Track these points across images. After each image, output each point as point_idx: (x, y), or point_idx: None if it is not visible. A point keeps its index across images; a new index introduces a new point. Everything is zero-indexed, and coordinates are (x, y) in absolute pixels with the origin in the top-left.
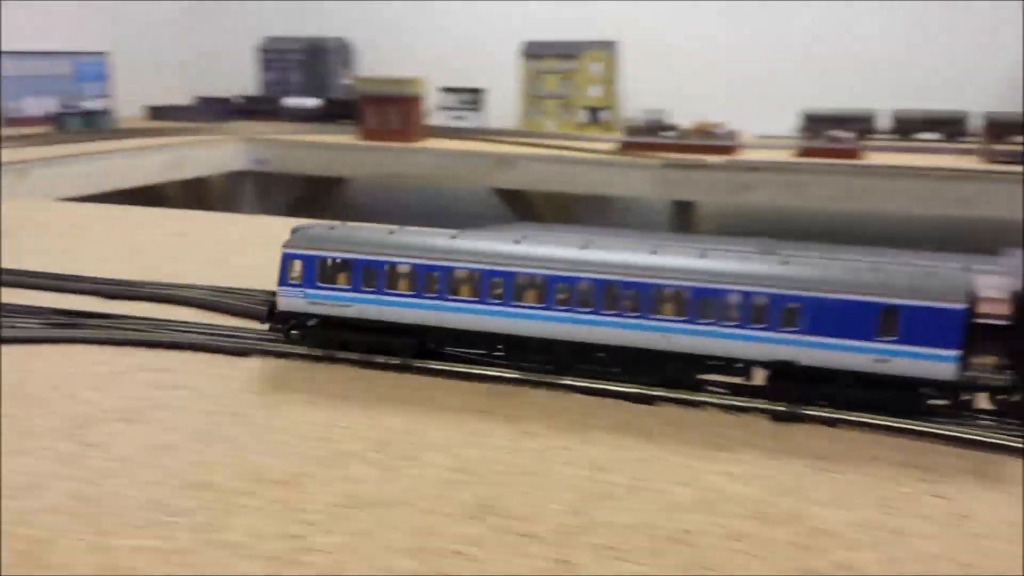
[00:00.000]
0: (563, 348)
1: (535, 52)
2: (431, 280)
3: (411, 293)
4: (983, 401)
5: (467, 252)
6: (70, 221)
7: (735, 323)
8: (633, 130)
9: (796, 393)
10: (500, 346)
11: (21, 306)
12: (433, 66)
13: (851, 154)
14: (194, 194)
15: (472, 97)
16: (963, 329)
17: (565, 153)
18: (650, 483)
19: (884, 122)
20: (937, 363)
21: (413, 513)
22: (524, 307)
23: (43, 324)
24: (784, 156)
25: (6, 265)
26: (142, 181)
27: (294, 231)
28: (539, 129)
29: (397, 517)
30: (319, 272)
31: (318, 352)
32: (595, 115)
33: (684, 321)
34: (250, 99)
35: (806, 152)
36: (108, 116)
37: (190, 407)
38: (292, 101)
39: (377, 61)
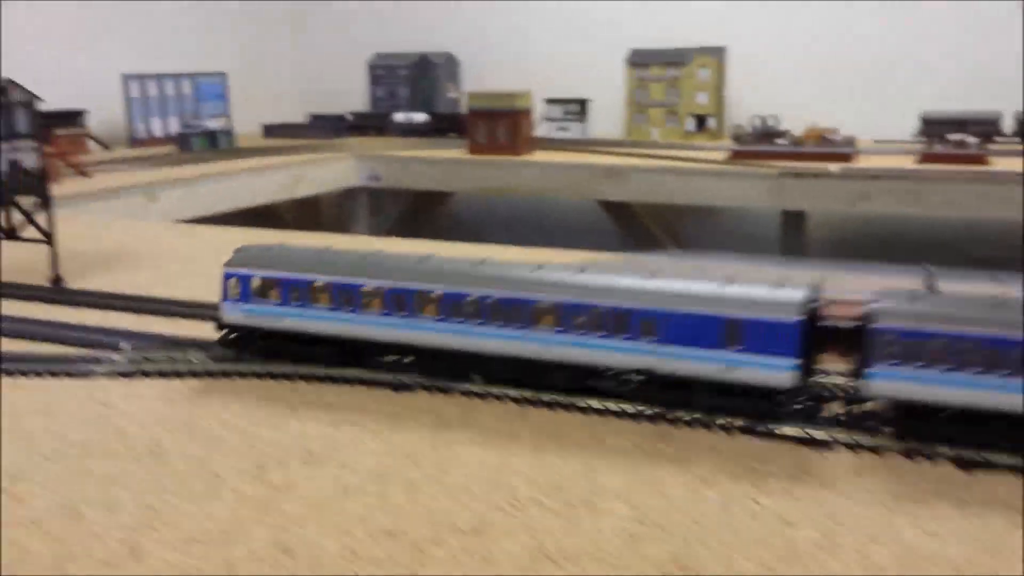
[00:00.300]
0: (460, 357)
1: (640, 60)
2: (346, 296)
3: (329, 307)
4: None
5: (378, 269)
6: (212, 246)
7: (604, 334)
8: (744, 138)
9: (661, 400)
10: (409, 356)
11: (186, 339)
12: (536, 77)
13: (978, 160)
14: (307, 211)
15: (577, 107)
16: (799, 340)
17: (675, 164)
18: (844, 540)
19: (1005, 124)
20: (777, 372)
21: (606, 569)
22: (426, 320)
23: (208, 357)
24: (905, 163)
25: (158, 293)
26: (262, 200)
27: (236, 251)
28: (644, 138)
29: (591, 573)
30: (253, 288)
31: (480, 389)
32: (702, 123)
33: (559, 332)
34: (360, 115)
35: (927, 158)
36: (229, 135)
37: (364, 447)
38: (401, 116)
39: (482, 73)
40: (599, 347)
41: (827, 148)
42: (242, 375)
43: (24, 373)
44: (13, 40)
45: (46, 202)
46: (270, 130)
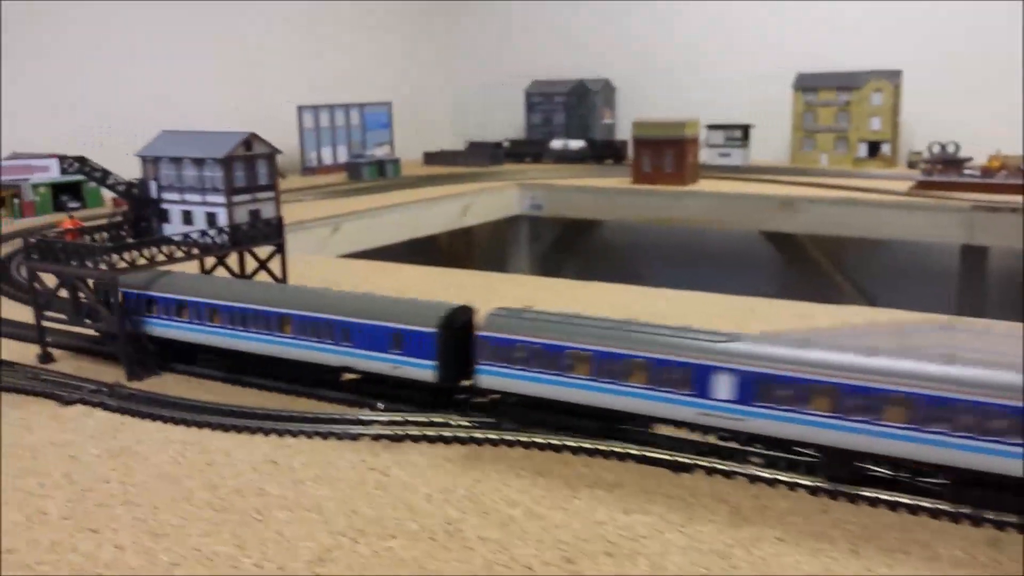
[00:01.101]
0: (255, 359)
1: (808, 84)
2: (197, 311)
3: (188, 319)
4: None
5: (220, 295)
6: (418, 286)
7: (327, 340)
8: (925, 166)
9: (360, 392)
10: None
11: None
12: (694, 101)
13: None
14: (462, 240)
15: (739, 133)
16: (438, 346)
17: (854, 195)
18: None
19: None
20: (424, 370)
21: None
22: (244, 330)
23: (472, 423)
24: None
25: None
26: (432, 230)
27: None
28: (813, 165)
29: None
30: (146, 306)
31: (769, 475)
32: (875, 149)
33: (310, 340)
34: (516, 142)
35: None
36: (396, 164)
37: (668, 542)
38: (558, 143)
39: (637, 98)
40: (319, 350)
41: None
42: (508, 444)
43: (292, 433)
44: (201, 73)
45: (280, 249)
46: (430, 157)
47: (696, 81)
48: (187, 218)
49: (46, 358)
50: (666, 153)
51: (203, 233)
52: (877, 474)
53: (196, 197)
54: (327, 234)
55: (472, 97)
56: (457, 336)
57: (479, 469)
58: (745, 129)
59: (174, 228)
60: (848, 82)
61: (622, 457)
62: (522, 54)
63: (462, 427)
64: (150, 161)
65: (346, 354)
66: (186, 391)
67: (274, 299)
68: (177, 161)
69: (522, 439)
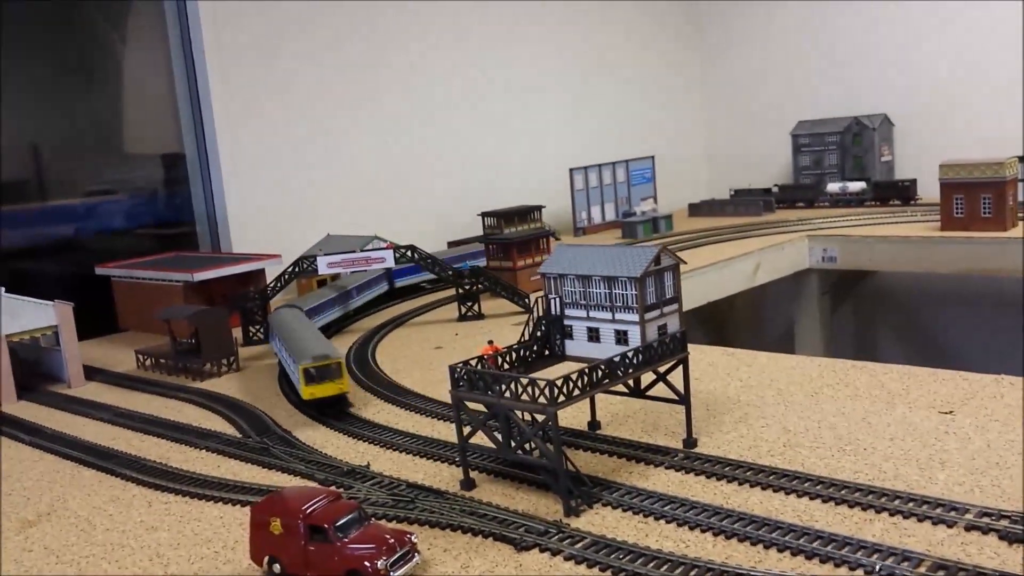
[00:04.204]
0: None
1: None
2: None
3: None
4: None
5: None
6: (793, 377)
7: None
8: None
9: None
10: None
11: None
12: (983, 132)
13: None
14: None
15: None
16: None
17: None
18: None
19: None
20: None
21: None
22: None
23: None
24: None
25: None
26: (728, 292)
27: None
28: None
29: None
30: None
31: None
32: None
33: None
34: (786, 188)
35: None
36: (668, 220)
37: None
38: (835, 186)
39: (913, 131)
40: None
41: None
42: None
43: None
44: (484, 154)
45: (683, 362)
46: (695, 208)
47: (980, 107)
48: (593, 336)
49: (469, 485)
50: (982, 196)
51: (623, 356)
52: None
53: (604, 315)
54: None
55: (729, 143)
56: None
57: None
58: None
59: (578, 347)
60: None
61: None
62: (781, 96)
63: None
64: (553, 278)
65: None
66: (628, 531)
67: None
68: (584, 278)
69: None
